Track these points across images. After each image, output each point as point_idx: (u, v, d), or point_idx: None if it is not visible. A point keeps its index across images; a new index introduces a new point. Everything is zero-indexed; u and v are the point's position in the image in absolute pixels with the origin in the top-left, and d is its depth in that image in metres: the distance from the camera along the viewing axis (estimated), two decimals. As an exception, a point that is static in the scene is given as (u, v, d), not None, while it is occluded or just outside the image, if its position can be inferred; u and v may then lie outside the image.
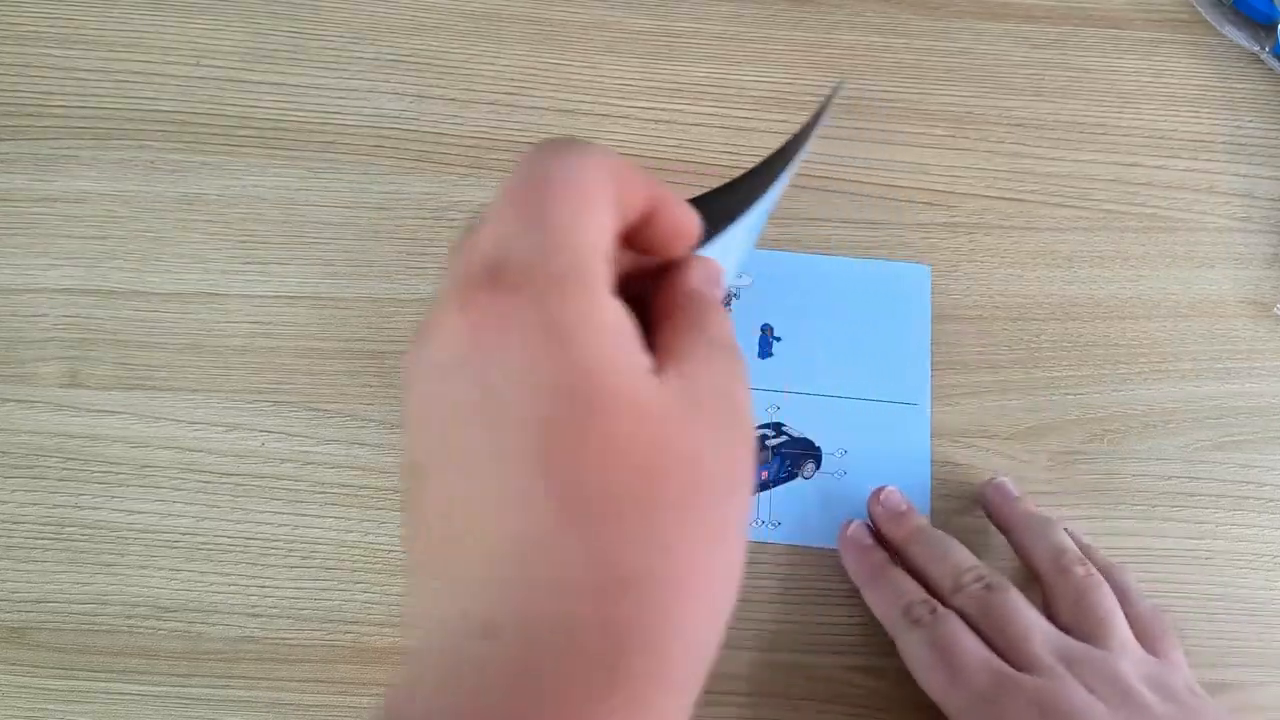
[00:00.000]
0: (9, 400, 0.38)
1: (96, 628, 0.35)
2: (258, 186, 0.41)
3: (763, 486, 0.38)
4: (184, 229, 0.40)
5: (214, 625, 0.35)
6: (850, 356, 0.40)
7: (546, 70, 0.44)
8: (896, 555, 0.36)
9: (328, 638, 0.35)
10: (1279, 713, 0.36)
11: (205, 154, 0.42)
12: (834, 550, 0.37)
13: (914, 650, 0.33)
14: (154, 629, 0.35)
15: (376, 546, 0.37)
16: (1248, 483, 0.39)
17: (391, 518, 0.37)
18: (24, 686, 0.35)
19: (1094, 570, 0.34)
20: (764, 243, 0.41)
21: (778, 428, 0.39)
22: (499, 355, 0.18)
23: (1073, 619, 0.33)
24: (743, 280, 0.40)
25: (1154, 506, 0.38)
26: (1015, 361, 0.40)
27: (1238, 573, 0.38)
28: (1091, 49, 0.46)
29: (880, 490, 0.37)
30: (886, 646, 0.36)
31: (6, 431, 0.37)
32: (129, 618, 0.36)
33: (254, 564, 0.36)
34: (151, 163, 0.41)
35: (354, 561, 0.36)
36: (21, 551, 0.36)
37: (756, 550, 0.37)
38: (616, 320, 0.19)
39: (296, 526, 0.37)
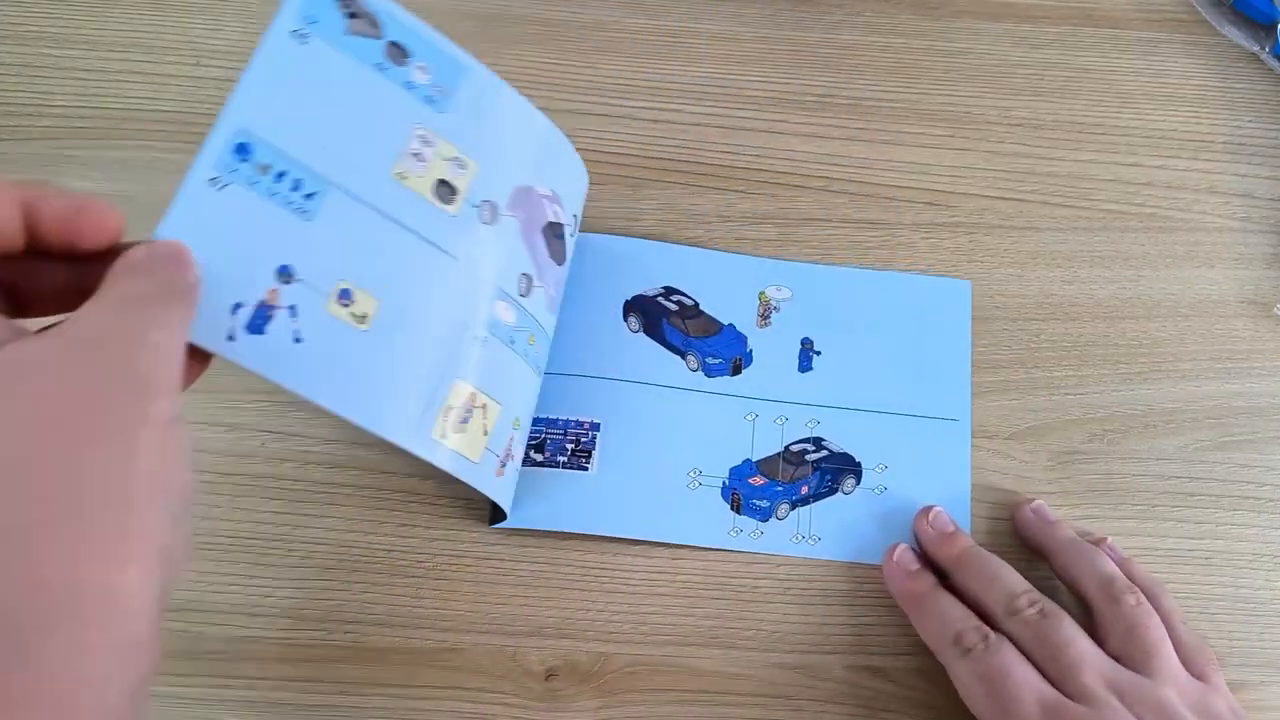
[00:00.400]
0: (9, 400, 0.38)
1: (96, 628, 0.35)
2: (258, 186, 0.41)
3: (802, 501, 0.38)
4: (184, 229, 0.40)
5: (214, 625, 0.35)
6: (890, 371, 0.39)
7: (546, 70, 0.44)
8: (944, 577, 0.36)
9: (328, 638, 0.35)
10: (1279, 713, 0.36)
11: (205, 154, 0.42)
12: (861, 563, 0.37)
13: (966, 680, 0.32)
14: (154, 629, 0.35)
15: (376, 546, 0.37)
16: (1248, 483, 0.39)
17: (392, 518, 0.37)
18: (24, 686, 0.35)
19: (1143, 599, 0.33)
20: (795, 254, 0.41)
21: (818, 442, 0.38)
22: None
23: (1123, 647, 0.32)
24: (781, 293, 0.40)
25: (1154, 506, 0.38)
26: (1015, 361, 0.40)
27: (1238, 573, 0.38)
28: (1091, 49, 0.46)
29: (928, 510, 0.37)
30: (888, 646, 0.36)
31: (6, 431, 0.37)
32: (129, 618, 0.35)
33: (254, 564, 0.36)
34: (151, 163, 0.41)
35: (354, 561, 0.36)
36: (21, 551, 0.36)
37: (756, 551, 0.37)
38: None
39: (296, 526, 0.37)
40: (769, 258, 0.41)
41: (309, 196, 0.29)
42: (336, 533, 0.37)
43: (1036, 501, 0.37)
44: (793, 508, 0.37)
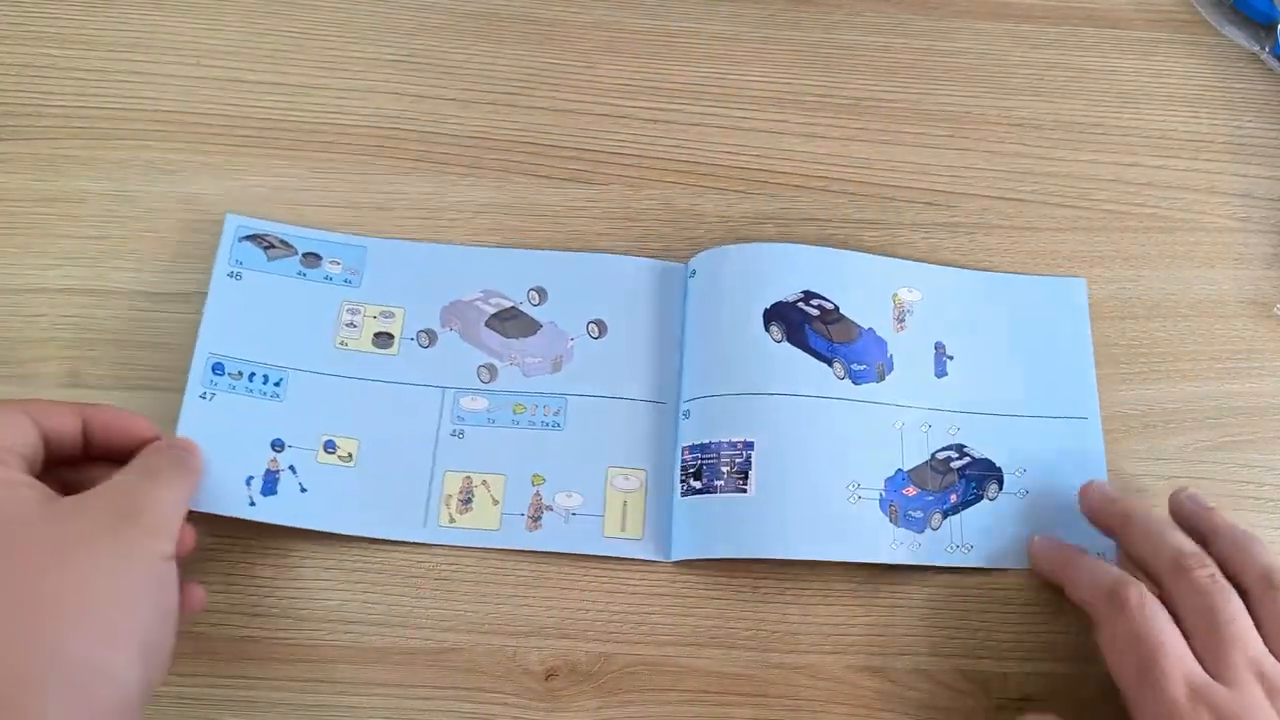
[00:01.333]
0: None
1: (96, 628, 0.35)
2: (258, 186, 0.41)
3: (953, 510, 0.37)
4: (184, 229, 0.40)
5: (215, 625, 0.35)
6: (1016, 373, 0.39)
7: (546, 70, 0.44)
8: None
9: (328, 638, 0.35)
10: (1279, 713, 0.36)
11: (205, 154, 0.42)
12: (1011, 569, 0.37)
13: (1118, 639, 0.32)
14: (154, 629, 0.35)
15: (376, 546, 0.37)
16: (1248, 483, 0.39)
17: (391, 518, 0.37)
18: (24, 686, 0.35)
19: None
20: (895, 252, 0.41)
21: (960, 449, 0.38)
22: None
23: (1274, 642, 0.31)
24: (913, 295, 0.40)
25: (1154, 506, 0.38)
26: (1015, 361, 0.40)
27: (1238, 573, 0.38)
28: (1091, 49, 0.46)
29: (1090, 483, 0.36)
30: (888, 646, 0.36)
31: (6, 431, 0.37)
32: (129, 618, 0.35)
33: (254, 564, 0.36)
34: (151, 163, 0.41)
35: (354, 562, 0.36)
36: (21, 551, 0.36)
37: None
38: (26, 481, 0.29)
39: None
40: (897, 257, 0.41)
41: (276, 383, 0.38)
42: (336, 532, 0.37)
43: (1192, 490, 0.36)
44: (944, 517, 0.37)
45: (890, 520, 0.36)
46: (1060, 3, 0.47)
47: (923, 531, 0.36)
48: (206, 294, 0.38)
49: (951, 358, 0.39)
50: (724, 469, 0.36)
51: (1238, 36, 0.46)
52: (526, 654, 0.35)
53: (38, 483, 0.29)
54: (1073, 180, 0.43)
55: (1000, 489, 0.38)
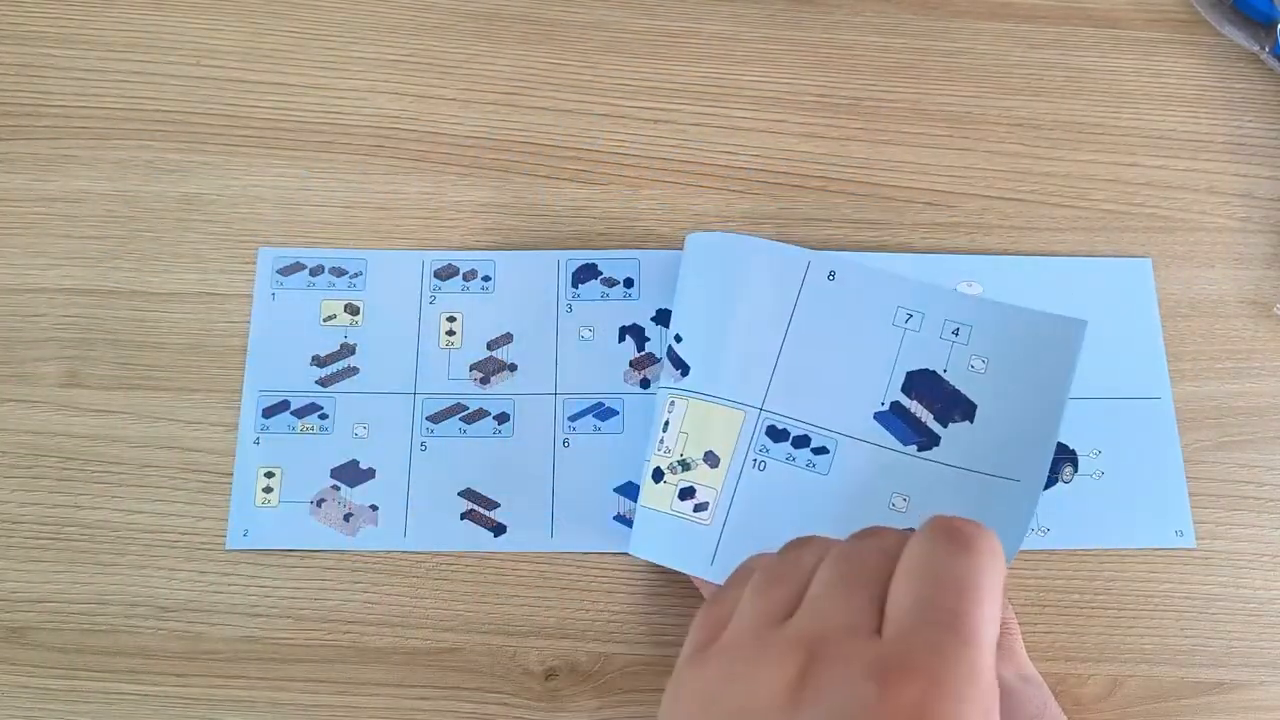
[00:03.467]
0: (9, 400, 0.38)
1: (96, 628, 0.35)
2: (258, 186, 0.41)
3: None
4: (184, 229, 0.40)
5: (214, 625, 0.35)
6: (1087, 356, 0.38)
7: (546, 70, 0.44)
8: None
9: (328, 638, 0.35)
10: (1278, 713, 0.36)
11: (205, 154, 0.42)
12: (1098, 550, 0.37)
13: None
14: (154, 629, 0.35)
15: (375, 546, 0.37)
16: (1248, 483, 0.39)
17: (391, 518, 0.37)
18: (24, 686, 0.35)
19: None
20: (965, 242, 0.41)
21: None
22: None
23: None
24: (974, 289, 0.40)
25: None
26: (1015, 361, 0.40)
27: (1238, 573, 0.38)
28: (1091, 49, 0.46)
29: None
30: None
31: (6, 431, 0.37)
32: (129, 618, 0.36)
33: (254, 564, 0.36)
34: (151, 163, 0.41)
35: (354, 561, 0.36)
36: (21, 551, 0.36)
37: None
38: None
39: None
40: (954, 253, 0.41)
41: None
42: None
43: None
44: None
45: None
46: (1060, 3, 0.47)
47: None
48: (205, 294, 0.39)
49: None
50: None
51: (1238, 36, 0.46)
52: (526, 654, 0.35)
53: None
54: (1073, 180, 0.43)
55: (1075, 471, 0.38)
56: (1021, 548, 0.37)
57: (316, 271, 0.40)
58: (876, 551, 0.24)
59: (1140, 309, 0.41)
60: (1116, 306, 0.41)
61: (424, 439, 0.38)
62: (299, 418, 0.38)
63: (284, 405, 0.38)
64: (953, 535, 0.22)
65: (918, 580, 0.22)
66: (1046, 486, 0.37)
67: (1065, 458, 0.38)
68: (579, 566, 0.37)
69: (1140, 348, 0.40)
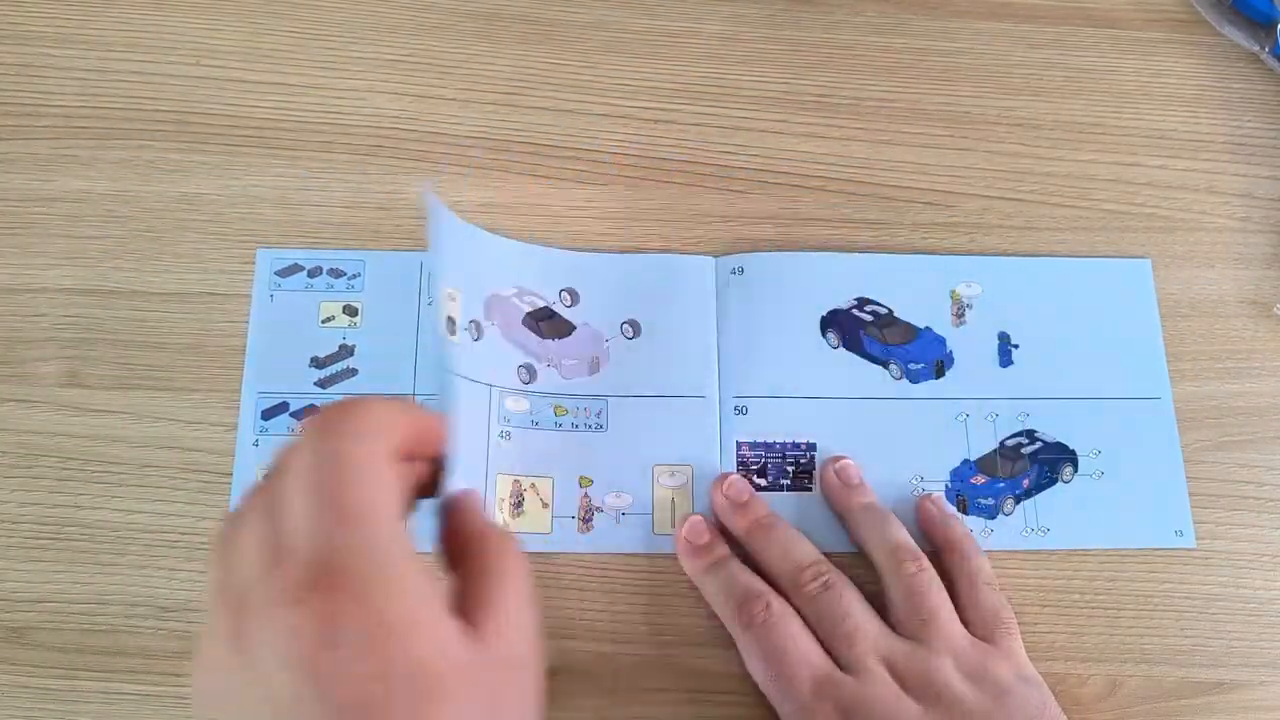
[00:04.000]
0: (9, 400, 0.38)
1: (96, 628, 0.35)
2: (258, 186, 0.41)
3: (1026, 495, 0.38)
4: (184, 229, 0.40)
5: (214, 625, 0.35)
6: (1086, 356, 0.40)
7: (546, 70, 0.44)
8: (738, 548, 0.36)
9: (328, 638, 0.35)
10: (1279, 713, 0.36)
11: (205, 154, 0.42)
12: (1098, 550, 0.37)
13: (749, 654, 0.33)
14: (154, 629, 0.35)
15: (376, 546, 0.37)
16: (1248, 483, 0.39)
17: (391, 518, 0.37)
18: (24, 686, 0.35)
19: (925, 565, 0.34)
20: (965, 242, 0.41)
21: (1031, 435, 0.39)
22: (335, 652, 0.20)
23: (903, 615, 0.33)
24: (972, 289, 0.40)
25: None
26: (1015, 361, 0.40)
27: (1238, 573, 0.38)
28: (1090, 49, 0.46)
29: (725, 477, 0.37)
30: (886, 646, 0.36)
31: (6, 431, 0.37)
32: (129, 618, 0.36)
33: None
34: (151, 163, 0.41)
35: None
36: (21, 551, 0.36)
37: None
38: (428, 609, 0.22)
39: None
40: (955, 254, 0.41)
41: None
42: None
43: (842, 461, 0.37)
44: (1017, 502, 0.38)
45: (960, 509, 0.37)
46: (1060, 3, 0.47)
47: (995, 518, 0.38)
48: (205, 294, 0.39)
49: (1017, 346, 0.40)
50: (788, 468, 0.37)
51: (1238, 36, 0.46)
52: (526, 654, 0.35)
53: (443, 604, 0.23)
54: (1073, 180, 0.43)
55: (1075, 471, 0.38)
56: (1024, 549, 0.37)
57: (315, 273, 0.40)
58: (271, 483, 0.23)
59: (1140, 309, 0.41)
60: (1116, 307, 0.41)
61: None
62: (298, 419, 0.38)
63: (283, 407, 0.38)
64: (310, 434, 0.23)
65: (301, 498, 0.22)
66: (1045, 487, 0.38)
67: (1064, 458, 0.38)
68: (579, 566, 0.37)
69: (1140, 348, 0.40)
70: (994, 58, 0.46)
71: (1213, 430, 0.40)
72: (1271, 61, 0.45)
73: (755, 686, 0.35)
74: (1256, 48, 0.45)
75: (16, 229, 0.40)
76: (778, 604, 0.33)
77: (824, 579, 0.34)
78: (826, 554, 0.37)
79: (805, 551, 0.35)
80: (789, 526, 0.36)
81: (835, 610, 0.33)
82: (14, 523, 0.36)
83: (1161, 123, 0.45)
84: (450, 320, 0.36)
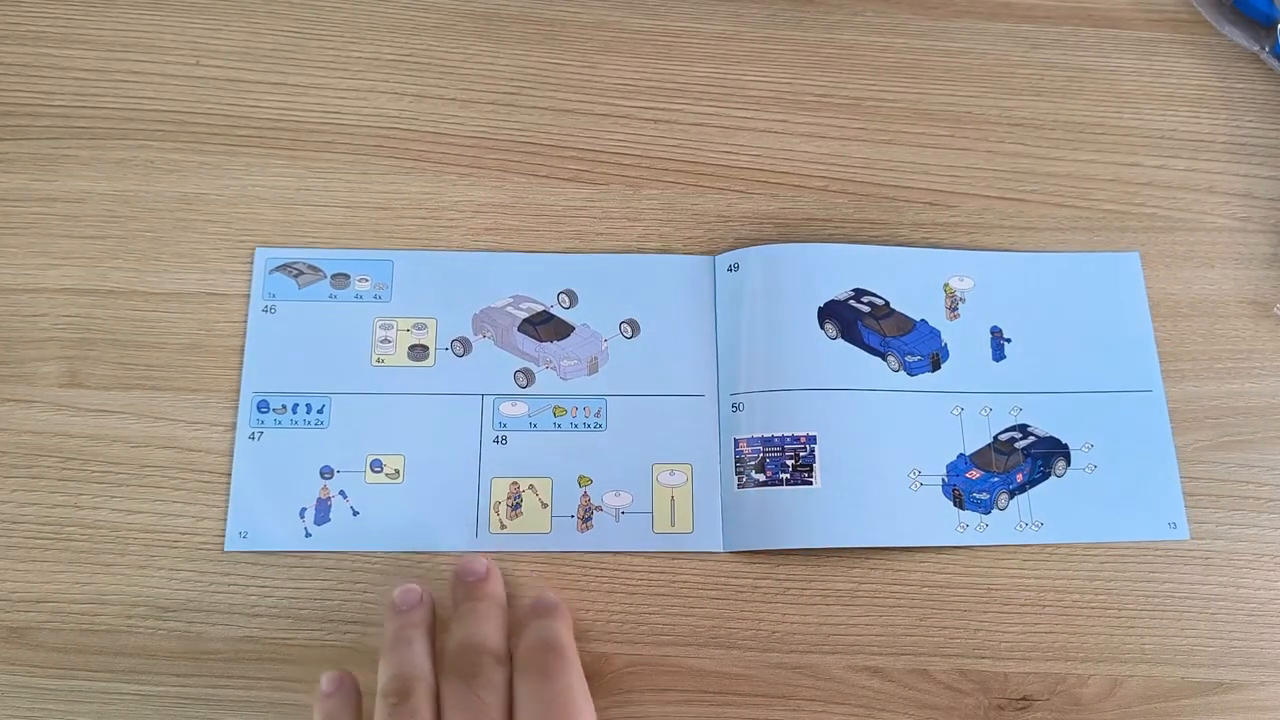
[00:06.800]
0: (9, 400, 0.38)
1: (96, 628, 0.35)
2: (258, 186, 0.41)
3: (1020, 489, 0.38)
4: (184, 229, 0.40)
5: (214, 625, 0.35)
6: (1077, 350, 0.40)
7: (546, 70, 0.44)
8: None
9: (327, 638, 0.35)
10: (1279, 713, 0.36)
11: (205, 154, 0.42)
12: (1098, 550, 0.37)
13: None
14: (154, 629, 0.35)
15: (375, 547, 0.37)
16: (1247, 483, 0.39)
17: (391, 518, 0.37)
18: (24, 686, 0.35)
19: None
20: (966, 242, 0.41)
21: (1024, 429, 0.39)
22: None
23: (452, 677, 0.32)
24: (964, 283, 0.41)
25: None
26: (1015, 361, 0.40)
27: (1238, 573, 0.38)
28: (1091, 49, 0.46)
29: (464, 557, 0.35)
30: (888, 646, 0.36)
31: (6, 431, 0.37)
32: (129, 618, 0.36)
33: (254, 564, 0.36)
34: (151, 163, 0.41)
35: (353, 561, 0.36)
36: (21, 551, 0.36)
37: (754, 549, 0.37)
38: None
39: (296, 526, 0.37)
40: (949, 248, 0.41)
41: (320, 411, 0.38)
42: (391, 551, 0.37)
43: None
44: (1011, 496, 0.38)
45: (955, 504, 0.37)
46: (1060, 3, 0.47)
47: (989, 512, 0.38)
48: (204, 294, 0.39)
49: (1009, 340, 0.40)
50: (788, 462, 0.37)
51: (1238, 36, 0.46)
52: (526, 654, 0.35)
53: None
54: (1073, 180, 0.43)
55: (1068, 465, 0.38)
56: (1018, 543, 0.37)
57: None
58: (488, 690, 0.30)
59: (1129, 302, 0.41)
60: (1106, 301, 0.41)
61: None
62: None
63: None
64: (539, 667, 0.31)
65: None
66: (1039, 481, 0.38)
67: (1057, 452, 0.39)
68: (579, 566, 0.37)
69: (1130, 341, 0.40)
70: (994, 58, 0.46)
71: (1212, 430, 0.40)
72: (1272, 61, 0.45)
73: (754, 687, 0.35)
74: (1257, 48, 0.45)
75: (16, 229, 0.40)
76: (412, 702, 0.31)
77: (476, 672, 0.32)
78: (827, 551, 0.37)
79: (486, 638, 0.33)
80: (494, 608, 0.34)
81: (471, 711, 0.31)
82: (14, 523, 0.37)
83: (1162, 123, 0.45)
84: (420, 348, 0.39)
